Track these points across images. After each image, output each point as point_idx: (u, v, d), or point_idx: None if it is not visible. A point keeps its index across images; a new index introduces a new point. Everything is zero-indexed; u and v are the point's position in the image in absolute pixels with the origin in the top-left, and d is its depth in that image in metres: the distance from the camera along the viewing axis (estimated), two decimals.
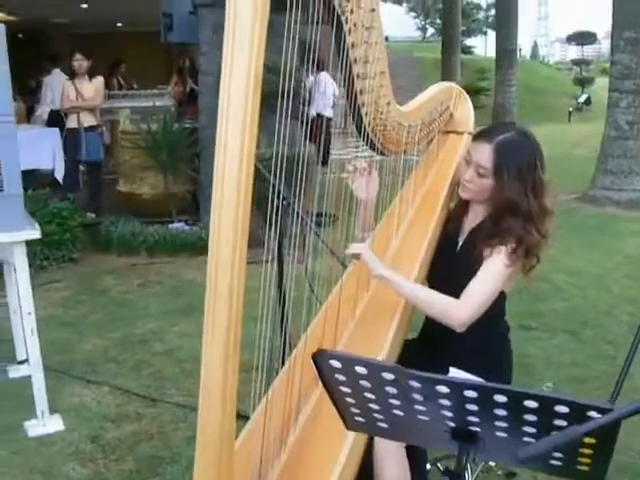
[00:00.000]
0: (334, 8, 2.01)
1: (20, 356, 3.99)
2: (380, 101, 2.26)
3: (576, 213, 9.03)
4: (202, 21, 6.79)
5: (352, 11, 2.05)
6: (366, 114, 2.23)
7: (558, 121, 24.36)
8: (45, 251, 6.28)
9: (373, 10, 2.12)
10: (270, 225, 2.19)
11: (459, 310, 2.14)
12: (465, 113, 2.77)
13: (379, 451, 2.13)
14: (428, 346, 2.43)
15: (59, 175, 8.49)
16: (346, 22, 2.06)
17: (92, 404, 3.84)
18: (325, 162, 7.17)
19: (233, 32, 1.53)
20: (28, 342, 3.56)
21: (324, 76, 10.57)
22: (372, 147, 2.38)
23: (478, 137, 2.32)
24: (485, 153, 2.22)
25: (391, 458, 2.14)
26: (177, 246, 6.59)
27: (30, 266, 5.85)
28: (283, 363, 2.31)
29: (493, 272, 2.18)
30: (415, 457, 2.23)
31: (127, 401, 3.85)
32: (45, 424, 3.58)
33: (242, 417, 2.02)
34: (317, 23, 2.06)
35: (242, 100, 1.53)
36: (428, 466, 2.52)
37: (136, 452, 3.35)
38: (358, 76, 2.16)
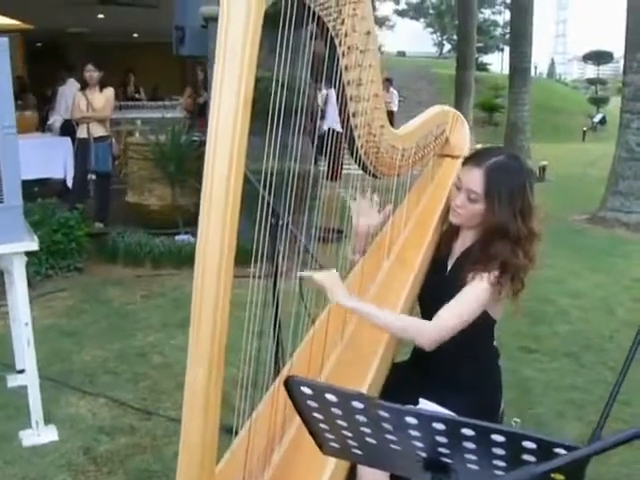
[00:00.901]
0: (328, 30, 2.02)
1: (19, 365, 4.00)
2: (373, 124, 2.25)
3: (585, 234, 9.02)
4: (211, 34, 6.81)
5: (346, 34, 2.05)
6: (359, 136, 2.23)
7: (573, 140, 24.37)
8: (51, 260, 6.31)
9: (368, 33, 2.12)
10: (264, 241, 2.19)
11: (429, 332, 2.12)
12: (461, 137, 2.76)
13: (362, 473, 2.12)
14: (418, 370, 2.42)
15: (71, 183, 8.57)
16: (340, 45, 2.06)
17: (87, 415, 3.84)
18: (336, 177, 7.17)
19: (224, 51, 1.55)
20: (25, 353, 3.57)
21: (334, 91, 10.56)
22: (364, 169, 2.37)
23: (467, 162, 2.31)
24: (476, 178, 2.22)
25: None
26: (182, 258, 6.59)
27: (36, 274, 6.00)
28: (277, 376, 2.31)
29: (470, 297, 2.16)
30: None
31: (122, 413, 3.85)
32: (39, 434, 3.58)
33: (229, 431, 2.03)
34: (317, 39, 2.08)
35: (231, 119, 1.54)
36: None
37: (127, 465, 3.34)
38: (351, 98, 2.16)
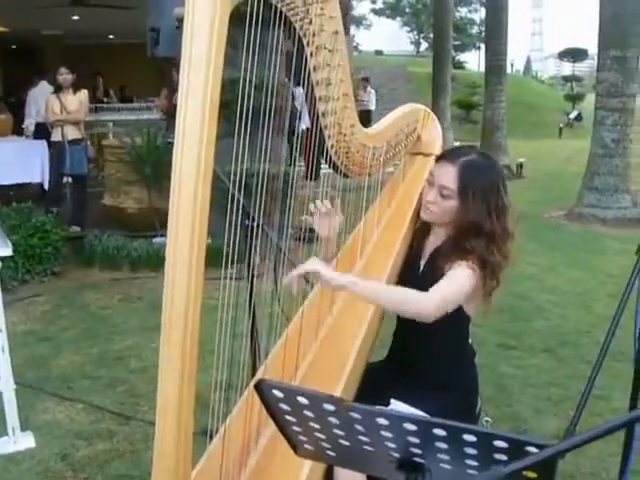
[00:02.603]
0: (295, 30, 2.01)
1: None
2: (343, 123, 2.25)
3: (562, 230, 9.08)
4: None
5: (314, 34, 2.05)
6: (329, 136, 2.22)
7: (549, 137, 24.51)
8: (27, 265, 6.26)
9: (336, 32, 2.11)
10: (239, 242, 2.18)
11: (428, 300, 2.02)
12: (433, 135, 2.75)
13: (339, 473, 2.12)
14: (393, 370, 2.42)
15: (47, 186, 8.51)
16: (308, 45, 2.06)
17: (65, 421, 3.80)
18: (315, 177, 7.15)
19: (190, 52, 1.54)
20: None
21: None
22: (335, 169, 2.36)
23: (441, 159, 2.30)
24: (450, 174, 2.21)
25: None
26: (160, 261, 6.53)
27: (12, 279, 5.94)
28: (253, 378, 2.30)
29: (458, 276, 2.11)
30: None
31: (100, 418, 3.82)
32: (16, 441, 3.54)
33: (205, 433, 2.03)
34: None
35: (198, 122, 1.53)
36: None
37: (106, 471, 3.32)
38: (320, 99, 2.15)
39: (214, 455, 1.99)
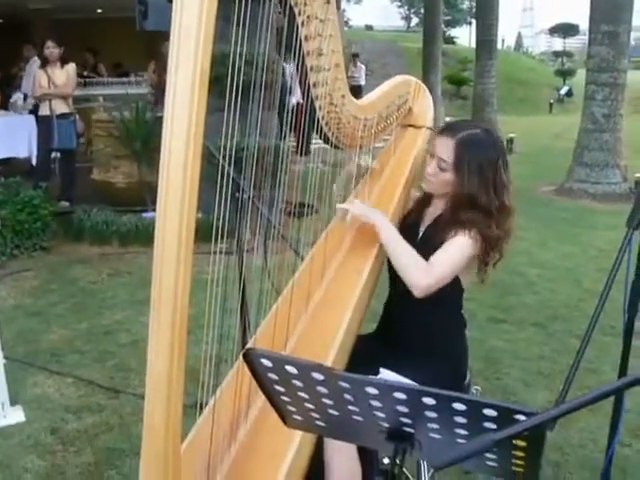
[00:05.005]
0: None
1: None
2: (335, 94, 2.23)
3: (552, 205, 9.09)
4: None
5: (305, 3, 2.03)
6: (320, 107, 2.21)
7: (540, 112, 24.51)
8: (16, 240, 6.25)
9: (328, 2, 2.09)
10: (230, 216, 2.17)
11: (423, 273, 2.16)
12: (424, 107, 2.74)
13: (329, 444, 2.13)
14: (384, 341, 2.42)
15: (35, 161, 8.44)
16: (299, 14, 2.03)
17: (54, 395, 3.80)
18: (306, 152, 7.11)
19: (179, 26, 1.51)
20: None
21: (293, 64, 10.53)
22: (326, 141, 2.35)
23: (442, 132, 2.33)
24: (447, 147, 2.24)
25: (342, 452, 2.13)
26: (150, 235, 6.47)
27: (1, 254, 5.93)
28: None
29: (458, 246, 2.20)
30: (367, 450, 2.22)
31: (90, 392, 3.82)
32: (6, 415, 3.54)
33: (192, 406, 2.02)
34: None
35: (187, 96, 1.50)
36: (386, 460, 2.51)
37: (95, 444, 3.32)
38: (312, 69, 2.13)
39: (203, 428, 1.98)
